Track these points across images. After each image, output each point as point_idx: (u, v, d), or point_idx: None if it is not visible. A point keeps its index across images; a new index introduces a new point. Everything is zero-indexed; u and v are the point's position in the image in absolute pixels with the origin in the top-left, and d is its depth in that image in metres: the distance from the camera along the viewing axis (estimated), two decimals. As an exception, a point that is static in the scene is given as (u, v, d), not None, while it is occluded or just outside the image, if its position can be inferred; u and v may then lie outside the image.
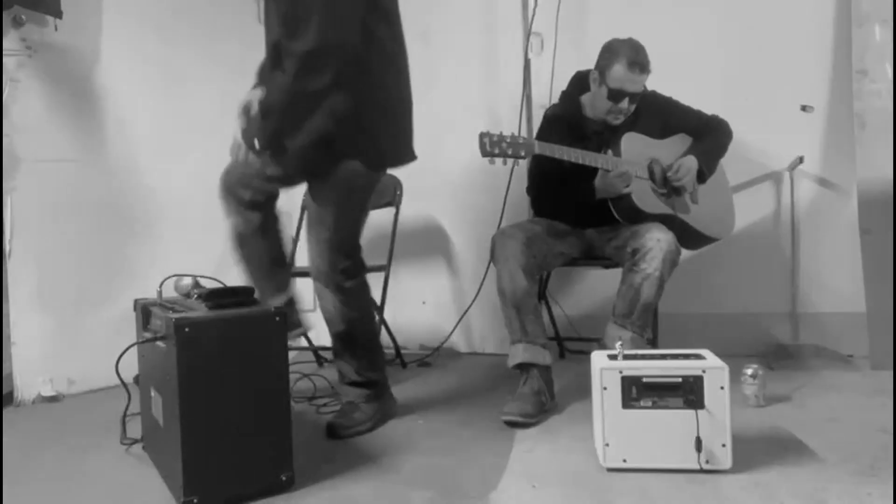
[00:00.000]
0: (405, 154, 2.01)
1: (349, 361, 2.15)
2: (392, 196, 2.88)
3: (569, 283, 3.14)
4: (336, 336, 2.15)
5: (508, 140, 2.07)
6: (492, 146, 2.05)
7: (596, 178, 2.25)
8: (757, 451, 1.78)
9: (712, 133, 2.48)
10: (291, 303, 2.30)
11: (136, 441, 2.01)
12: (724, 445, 1.65)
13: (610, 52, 2.29)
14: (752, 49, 2.87)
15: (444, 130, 3.21)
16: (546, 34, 3.06)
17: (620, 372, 1.69)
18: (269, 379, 1.64)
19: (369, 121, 1.80)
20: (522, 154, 2.08)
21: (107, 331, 2.64)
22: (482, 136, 2.05)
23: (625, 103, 2.29)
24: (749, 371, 2.19)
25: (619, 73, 2.25)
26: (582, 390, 2.39)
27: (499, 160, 2.07)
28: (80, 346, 2.66)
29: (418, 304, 3.29)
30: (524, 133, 3.04)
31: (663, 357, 1.75)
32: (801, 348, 2.78)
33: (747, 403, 2.18)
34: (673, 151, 2.44)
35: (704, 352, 1.77)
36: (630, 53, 2.24)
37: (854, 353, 2.76)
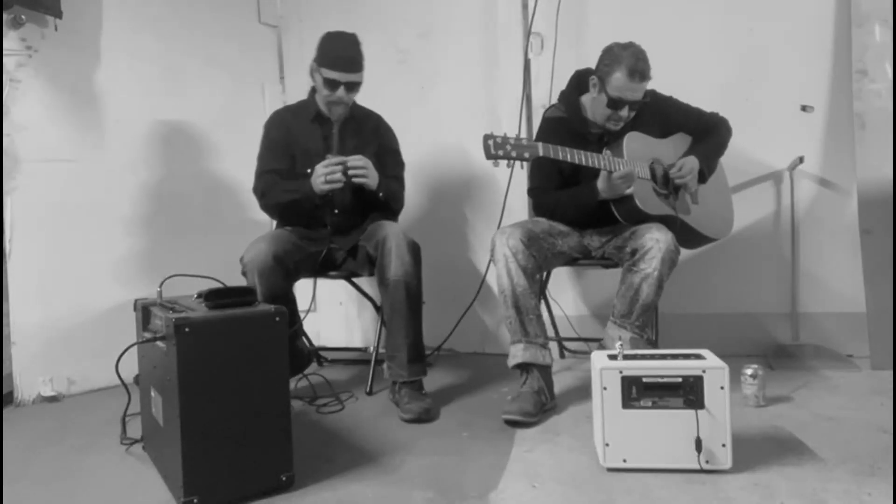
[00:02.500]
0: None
1: (416, 329, 2.36)
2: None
3: (569, 283, 3.14)
4: (408, 296, 2.31)
5: (513, 142, 2.06)
6: (496, 148, 2.04)
7: (598, 179, 2.25)
8: (757, 451, 1.79)
9: (712, 132, 2.48)
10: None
11: (136, 441, 2.01)
12: (724, 445, 1.65)
13: (610, 58, 2.26)
14: (752, 49, 2.87)
15: (444, 130, 3.21)
16: (546, 34, 3.06)
17: (620, 372, 1.69)
18: (269, 379, 1.64)
19: None
20: (527, 156, 2.07)
21: (107, 331, 2.64)
22: (486, 137, 2.04)
23: (624, 111, 2.28)
24: (749, 371, 2.19)
25: (619, 81, 2.23)
26: (582, 390, 2.40)
27: (502, 162, 2.06)
28: (80, 346, 2.66)
29: (418, 304, 3.29)
30: (524, 133, 3.04)
31: (663, 357, 1.75)
32: (801, 348, 2.78)
33: (747, 403, 2.18)
34: (674, 150, 2.44)
35: (704, 352, 1.77)
36: (631, 61, 2.22)
37: (854, 353, 2.76)
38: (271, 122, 2.60)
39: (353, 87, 2.47)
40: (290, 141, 2.53)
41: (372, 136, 2.60)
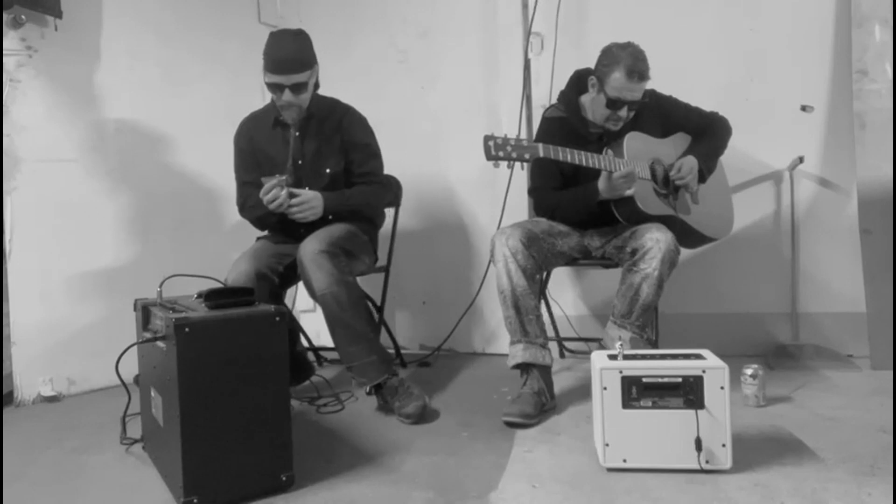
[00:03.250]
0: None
1: (363, 331, 2.22)
2: (392, 196, 2.87)
3: (569, 283, 3.14)
4: (339, 305, 2.18)
5: (513, 143, 2.06)
6: (496, 149, 2.04)
7: (599, 179, 2.25)
8: (757, 451, 1.79)
9: (712, 131, 2.48)
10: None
11: (136, 441, 2.01)
12: (724, 445, 1.65)
13: (609, 58, 2.26)
14: (753, 49, 2.87)
15: (443, 130, 3.22)
16: (546, 34, 3.07)
17: (620, 372, 1.69)
18: (269, 379, 1.64)
19: None
20: (527, 157, 2.07)
21: (107, 331, 2.64)
22: (487, 139, 2.04)
23: (623, 111, 2.28)
24: (749, 371, 2.19)
25: (618, 81, 2.23)
26: (582, 390, 2.40)
27: (502, 162, 2.06)
28: (80, 346, 2.66)
29: (418, 304, 3.29)
30: (524, 134, 3.04)
31: (663, 357, 1.75)
32: (801, 348, 2.78)
33: (747, 403, 2.18)
34: (674, 150, 2.44)
35: (704, 352, 1.77)
36: (629, 61, 2.22)
37: (854, 353, 2.76)
38: (238, 133, 2.54)
39: (299, 88, 2.33)
40: (255, 150, 2.49)
41: (334, 134, 2.48)
